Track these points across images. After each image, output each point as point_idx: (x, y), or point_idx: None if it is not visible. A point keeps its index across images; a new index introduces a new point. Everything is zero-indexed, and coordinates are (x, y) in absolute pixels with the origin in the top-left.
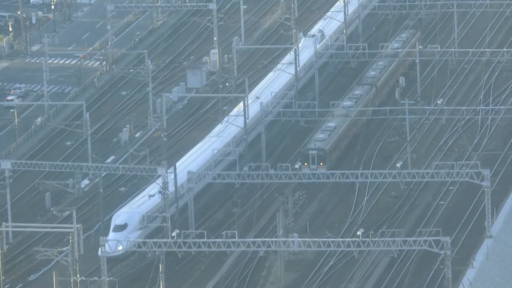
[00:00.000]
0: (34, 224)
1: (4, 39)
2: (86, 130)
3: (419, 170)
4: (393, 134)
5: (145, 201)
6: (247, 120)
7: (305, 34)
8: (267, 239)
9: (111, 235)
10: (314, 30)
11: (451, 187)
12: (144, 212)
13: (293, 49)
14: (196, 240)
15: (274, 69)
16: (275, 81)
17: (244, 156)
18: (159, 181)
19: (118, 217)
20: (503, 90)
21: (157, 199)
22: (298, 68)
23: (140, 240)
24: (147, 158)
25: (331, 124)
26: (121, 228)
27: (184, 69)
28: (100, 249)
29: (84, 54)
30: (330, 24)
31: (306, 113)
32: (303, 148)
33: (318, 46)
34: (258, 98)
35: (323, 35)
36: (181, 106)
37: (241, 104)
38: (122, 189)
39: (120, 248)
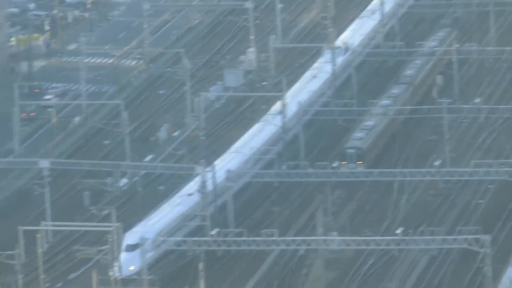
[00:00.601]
0: (74, 223)
1: (41, 38)
2: (124, 129)
3: (458, 169)
4: (431, 133)
5: (164, 216)
6: (285, 120)
7: (329, 46)
8: (306, 237)
9: (123, 255)
10: (339, 41)
11: (490, 186)
12: (158, 231)
13: (329, 49)
14: (235, 238)
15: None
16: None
17: (283, 155)
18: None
19: (131, 236)
20: None
21: (177, 212)
22: (321, 82)
23: (179, 238)
24: (185, 157)
25: (369, 122)
26: (132, 248)
27: (221, 68)
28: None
29: (121, 53)
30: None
31: (344, 112)
32: (342, 146)
33: (341, 59)
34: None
35: (347, 48)
36: (219, 105)
37: (279, 103)
38: (161, 187)
39: (131, 268)
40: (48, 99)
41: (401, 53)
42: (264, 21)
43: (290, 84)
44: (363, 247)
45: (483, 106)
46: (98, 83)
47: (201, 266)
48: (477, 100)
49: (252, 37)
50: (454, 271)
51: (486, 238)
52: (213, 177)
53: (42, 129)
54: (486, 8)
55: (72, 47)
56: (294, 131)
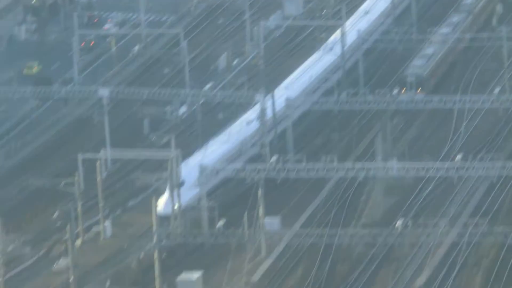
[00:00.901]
0: (133, 151)
1: None
2: (184, 57)
3: None
4: (490, 61)
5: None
6: (344, 48)
7: None
8: (366, 164)
9: (167, 192)
10: None
11: None
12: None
13: None
14: (294, 165)
15: None
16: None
17: (342, 83)
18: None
19: (182, 170)
20: None
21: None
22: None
23: (238, 165)
24: (244, 85)
25: (429, 50)
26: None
27: None
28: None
29: None
30: None
31: (404, 40)
32: (401, 74)
33: None
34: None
35: None
36: (278, 34)
37: (338, 32)
38: (220, 115)
39: (176, 206)
40: (107, 29)
41: None
42: None
43: (350, 13)
44: (423, 173)
45: None
46: (158, 12)
47: (260, 193)
48: None
49: None
50: None
51: None
52: (273, 105)
53: (101, 58)
54: None
55: None
56: (353, 59)
